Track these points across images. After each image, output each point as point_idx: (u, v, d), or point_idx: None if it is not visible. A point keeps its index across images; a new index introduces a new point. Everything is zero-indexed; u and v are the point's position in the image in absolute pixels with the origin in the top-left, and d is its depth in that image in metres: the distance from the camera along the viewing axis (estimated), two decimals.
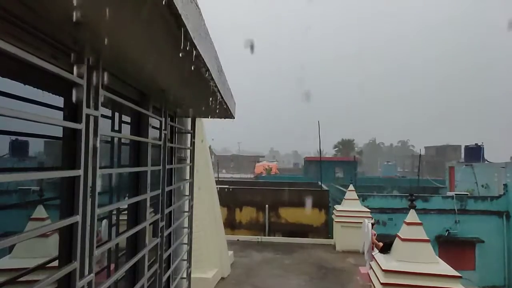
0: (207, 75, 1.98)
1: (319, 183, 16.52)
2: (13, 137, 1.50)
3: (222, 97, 2.69)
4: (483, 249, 13.58)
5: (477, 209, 13.91)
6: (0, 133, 1.38)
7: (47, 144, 1.76)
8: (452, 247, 13.18)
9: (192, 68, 1.81)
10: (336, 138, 63.91)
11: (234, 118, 3.76)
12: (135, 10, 1.19)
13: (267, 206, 13.51)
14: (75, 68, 1.47)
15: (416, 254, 5.48)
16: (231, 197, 13.27)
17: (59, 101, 1.53)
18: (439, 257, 5.69)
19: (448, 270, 5.24)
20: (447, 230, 13.63)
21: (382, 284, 5.30)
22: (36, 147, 1.74)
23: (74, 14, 1.24)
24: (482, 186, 18.45)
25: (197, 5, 1.48)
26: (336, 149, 62.41)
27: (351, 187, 11.40)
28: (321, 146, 20.01)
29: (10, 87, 1.34)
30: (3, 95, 1.31)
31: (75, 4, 1.16)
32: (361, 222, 8.46)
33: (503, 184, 14.40)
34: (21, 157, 1.66)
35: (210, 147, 9.55)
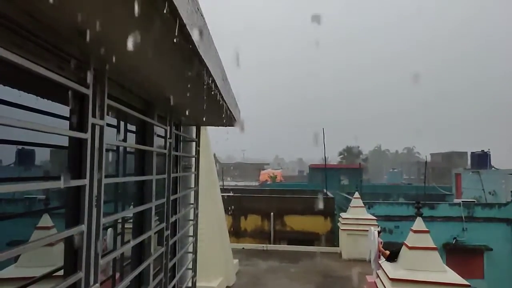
0: (211, 84, 2.00)
1: (325, 190, 16.46)
2: (20, 146, 1.52)
3: (226, 105, 2.70)
4: (491, 257, 13.37)
5: (484, 216, 13.73)
6: (7, 143, 1.39)
7: (53, 153, 1.78)
8: (460, 255, 12.99)
9: (197, 77, 1.82)
10: (341, 145, 63.59)
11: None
12: (141, 20, 1.20)
13: (272, 214, 13.45)
14: (81, 78, 1.49)
15: (423, 263, 5.41)
16: (236, 205, 13.23)
17: (65, 110, 1.55)
18: (447, 265, 5.62)
19: (456, 278, 5.16)
20: (455, 238, 13.45)
21: None
22: (42, 156, 1.75)
23: (81, 25, 1.26)
24: (489, 193, 18.28)
25: (202, 15, 1.50)
26: (341, 156, 62.13)
27: (356, 194, 11.32)
28: (326, 153, 20.00)
29: (17, 97, 1.36)
30: (10, 105, 1.32)
31: (81, 16, 1.17)
32: (367, 230, 8.37)
33: (511, 191, 14.24)
34: (28, 166, 1.67)
35: (214, 155, 9.55)
